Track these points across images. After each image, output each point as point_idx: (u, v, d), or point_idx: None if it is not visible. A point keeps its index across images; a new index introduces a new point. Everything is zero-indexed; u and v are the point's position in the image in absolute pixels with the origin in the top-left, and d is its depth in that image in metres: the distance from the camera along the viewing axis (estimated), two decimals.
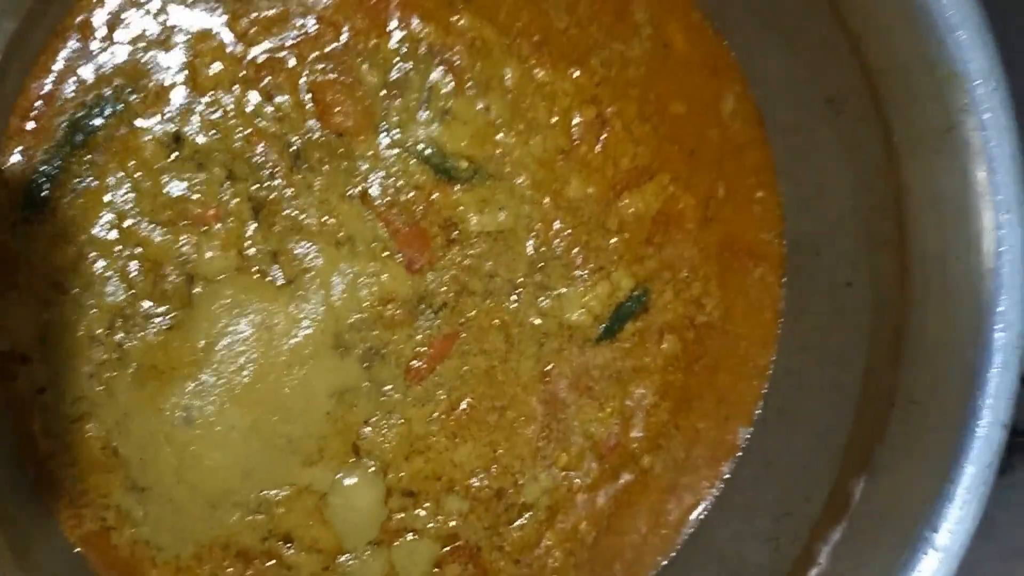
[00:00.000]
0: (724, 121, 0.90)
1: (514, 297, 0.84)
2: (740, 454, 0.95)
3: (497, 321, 0.83)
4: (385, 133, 0.79)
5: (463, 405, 0.83)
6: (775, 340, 0.96)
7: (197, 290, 0.76)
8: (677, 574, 0.92)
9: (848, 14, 0.79)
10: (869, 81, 0.81)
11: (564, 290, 0.85)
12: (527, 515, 0.86)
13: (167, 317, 0.75)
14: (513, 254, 0.83)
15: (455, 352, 0.82)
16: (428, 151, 0.79)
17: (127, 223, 0.75)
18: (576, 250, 0.85)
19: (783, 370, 0.95)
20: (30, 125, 0.72)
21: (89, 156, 0.74)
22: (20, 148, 0.71)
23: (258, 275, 0.77)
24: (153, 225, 0.75)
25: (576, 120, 0.84)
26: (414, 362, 0.81)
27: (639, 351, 0.88)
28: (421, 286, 0.81)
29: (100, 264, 0.74)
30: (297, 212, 0.77)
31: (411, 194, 0.80)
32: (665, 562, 0.92)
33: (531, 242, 0.83)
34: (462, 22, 0.80)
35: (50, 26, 0.71)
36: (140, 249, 0.75)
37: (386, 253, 0.79)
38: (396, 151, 0.79)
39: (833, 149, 0.89)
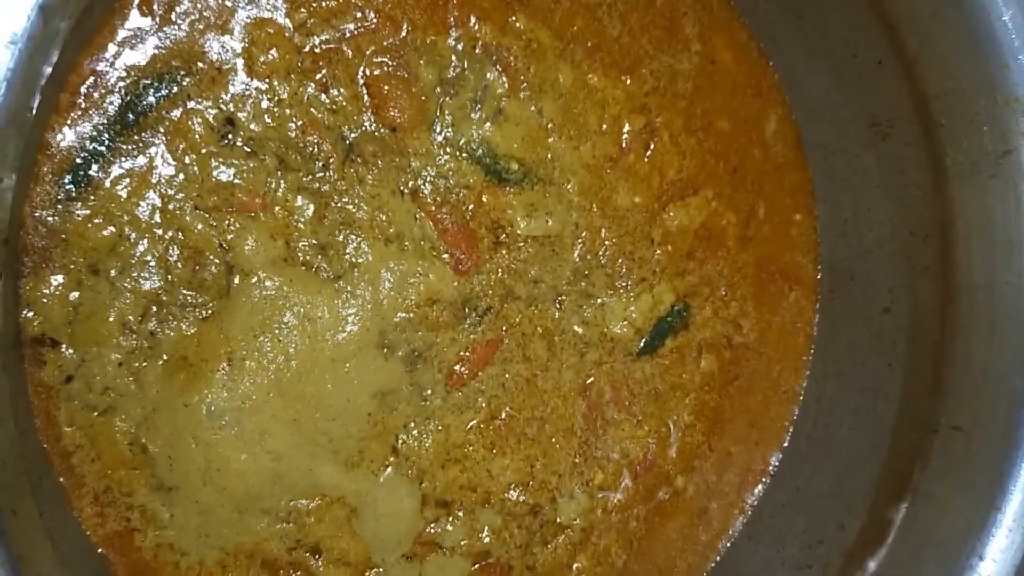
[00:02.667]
0: (766, 141, 0.90)
1: (557, 304, 0.82)
2: (768, 480, 0.93)
3: (540, 328, 0.81)
4: (439, 131, 0.77)
5: (503, 414, 0.80)
6: (806, 365, 0.95)
7: (237, 281, 0.73)
8: None
9: (906, 39, 0.79)
10: (921, 106, 0.81)
11: (607, 300, 0.84)
12: (561, 536, 0.84)
13: (204, 308, 0.72)
14: (559, 260, 0.82)
15: (497, 359, 0.80)
16: (480, 151, 0.78)
17: (171, 207, 0.71)
18: (620, 260, 0.84)
19: (814, 396, 0.94)
20: (81, 102, 0.69)
21: (139, 136, 0.71)
22: (69, 124, 0.68)
23: (304, 267, 0.74)
24: (198, 211, 0.72)
25: (626, 128, 0.83)
26: (457, 367, 0.78)
27: (678, 368, 0.87)
28: (467, 288, 0.79)
29: (140, 248, 0.71)
30: (348, 206, 0.74)
31: (462, 194, 0.78)
32: None
33: (577, 249, 0.82)
34: (518, 24, 0.79)
35: (108, 2, 0.68)
36: (181, 235, 0.72)
37: (434, 252, 0.77)
38: (449, 150, 0.77)
39: (875, 174, 0.89)
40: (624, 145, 0.83)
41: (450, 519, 0.79)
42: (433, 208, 0.76)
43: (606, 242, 0.83)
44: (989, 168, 0.78)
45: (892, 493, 0.83)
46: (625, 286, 0.84)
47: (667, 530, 0.89)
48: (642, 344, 0.85)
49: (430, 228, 0.76)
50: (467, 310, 0.78)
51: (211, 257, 0.71)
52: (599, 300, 0.84)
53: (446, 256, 0.77)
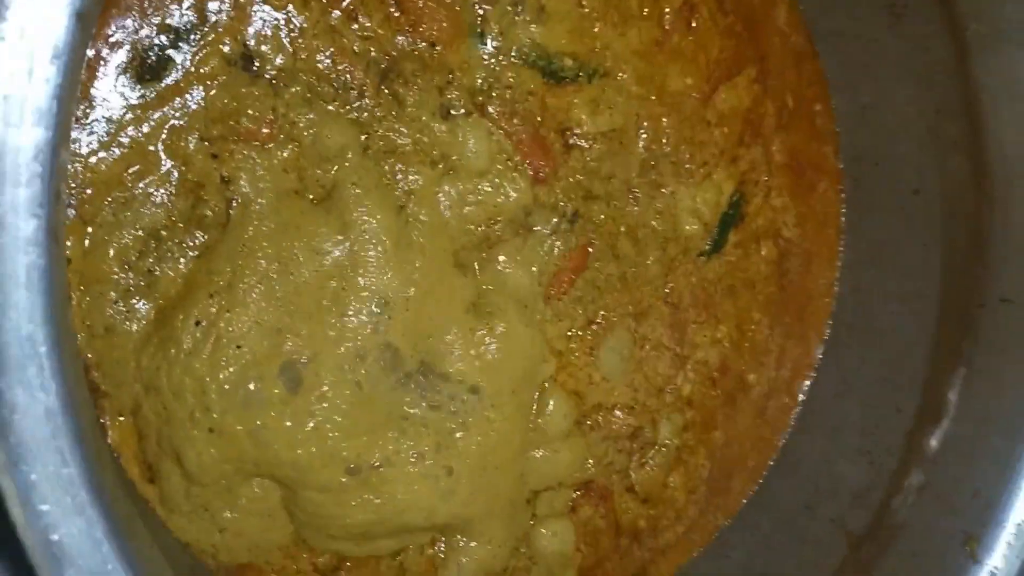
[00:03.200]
0: (783, 30, 0.88)
1: (632, 199, 0.81)
2: (815, 374, 0.94)
3: (623, 227, 0.80)
4: (488, 43, 0.74)
5: (599, 318, 0.81)
6: (839, 256, 0.95)
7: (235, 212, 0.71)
8: (767, 502, 0.91)
9: None
10: None
11: (676, 188, 0.83)
12: (657, 456, 0.85)
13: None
14: (627, 154, 0.80)
15: (591, 262, 0.80)
16: (533, 54, 0.75)
17: (180, 138, 0.69)
18: (683, 147, 0.83)
19: (850, 287, 0.94)
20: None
21: (159, 80, 0.67)
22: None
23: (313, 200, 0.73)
24: (204, 142, 0.69)
25: (666, 9, 0.82)
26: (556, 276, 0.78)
27: (743, 263, 0.87)
28: (551, 197, 0.78)
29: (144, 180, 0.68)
30: (389, 133, 0.72)
31: (527, 102, 0.76)
32: (756, 489, 0.91)
33: (642, 141, 0.80)
34: None
35: None
36: (183, 167, 0.69)
37: (511, 165, 0.75)
38: (503, 59, 0.75)
39: (893, 56, 0.88)
40: (667, 26, 0.82)
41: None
42: (503, 121, 0.75)
43: (667, 130, 0.82)
44: (1014, 36, 0.77)
45: (945, 371, 0.84)
46: (689, 171, 0.83)
47: (737, 432, 0.89)
48: (711, 243, 0.85)
49: (504, 141, 0.75)
50: (554, 219, 0.78)
51: (210, 191, 0.69)
52: (669, 189, 0.83)
53: (527, 167, 0.76)
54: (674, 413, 0.85)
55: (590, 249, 0.80)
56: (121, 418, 0.70)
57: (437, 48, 0.73)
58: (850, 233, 0.94)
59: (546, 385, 0.78)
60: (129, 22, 0.67)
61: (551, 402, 0.79)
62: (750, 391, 0.90)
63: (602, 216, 0.80)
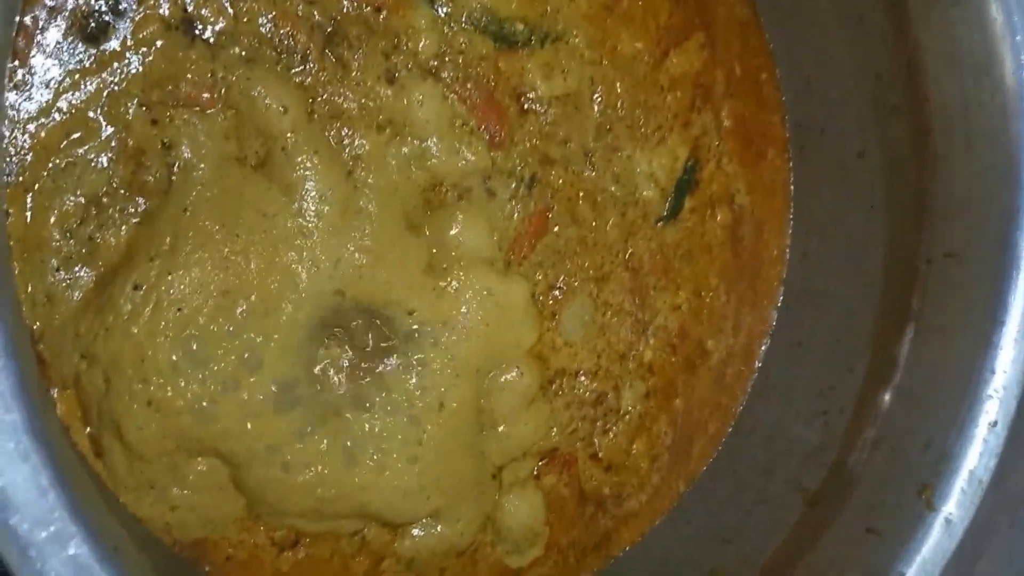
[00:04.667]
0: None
1: (590, 164, 0.81)
2: (769, 340, 0.94)
3: (582, 191, 0.80)
4: (439, 8, 0.74)
5: (559, 283, 0.81)
6: (788, 224, 0.96)
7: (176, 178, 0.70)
8: (725, 466, 0.91)
9: None
10: None
11: (632, 152, 0.83)
12: (620, 423, 0.85)
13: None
14: (582, 117, 0.81)
15: (550, 225, 0.80)
16: (484, 19, 0.75)
17: (120, 104, 0.68)
18: (637, 111, 0.83)
19: (800, 252, 0.95)
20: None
21: (96, 46, 0.66)
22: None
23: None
24: (142, 107, 0.68)
25: None
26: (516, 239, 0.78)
27: (699, 228, 0.88)
28: (508, 161, 0.78)
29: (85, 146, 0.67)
30: (335, 97, 0.71)
31: (479, 66, 0.76)
32: (715, 455, 0.91)
33: (597, 105, 0.81)
34: None
35: None
36: (124, 132, 0.68)
37: (466, 129, 0.75)
38: (455, 25, 0.75)
39: (832, 25, 0.90)
40: None
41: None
42: (456, 86, 0.75)
43: (621, 93, 0.82)
44: None
45: (895, 329, 0.85)
46: (644, 135, 0.84)
47: (697, 398, 0.90)
48: (667, 207, 0.86)
49: (458, 105, 0.75)
50: (513, 184, 0.78)
51: (151, 157, 0.68)
52: (625, 153, 0.83)
53: (482, 131, 0.76)
54: (636, 380, 0.85)
55: (548, 215, 0.80)
56: (68, 391, 0.69)
57: (383, 13, 0.72)
58: (798, 200, 0.96)
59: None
60: None
61: (518, 368, 0.78)
62: (709, 357, 0.90)
63: (560, 181, 0.80)
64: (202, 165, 0.70)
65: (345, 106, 0.71)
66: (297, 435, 0.71)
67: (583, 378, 0.83)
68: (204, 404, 0.67)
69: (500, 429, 0.78)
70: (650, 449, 0.86)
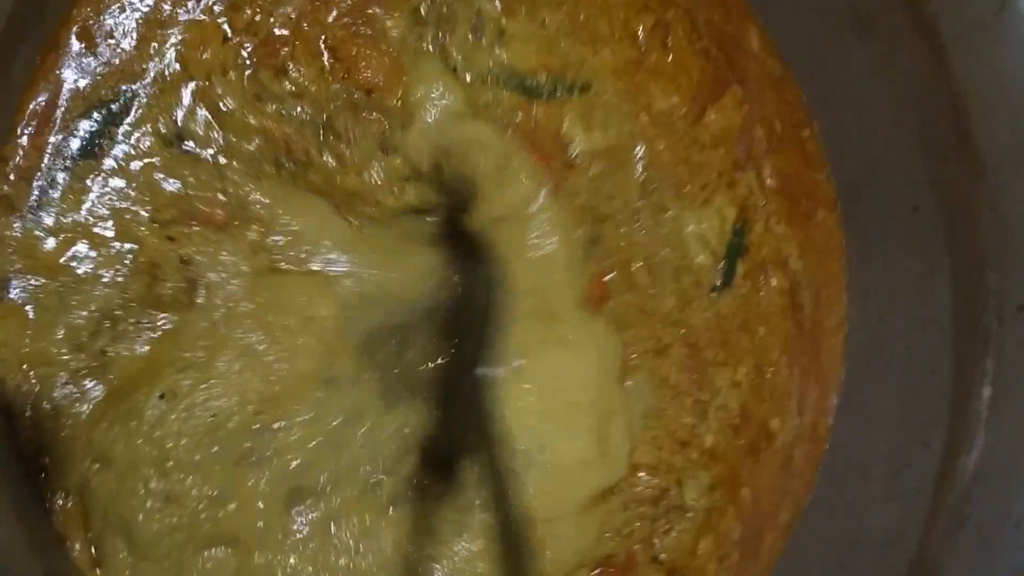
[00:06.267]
0: (757, 55, 0.85)
1: (636, 223, 0.78)
2: (834, 416, 0.87)
3: (637, 255, 0.78)
4: (457, 70, 0.74)
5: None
6: (845, 288, 0.89)
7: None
8: (794, 563, 0.83)
9: None
10: None
11: (679, 212, 0.79)
12: (684, 522, 0.78)
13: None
14: (625, 174, 0.78)
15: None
16: (504, 76, 0.74)
17: (128, 220, 0.68)
18: (680, 168, 0.80)
19: (860, 321, 0.88)
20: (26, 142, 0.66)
21: (94, 160, 0.67)
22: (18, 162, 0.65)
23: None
24: (154, 224, 0.68)
25: (638, 29, 0.79)
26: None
27: (755, 297, 0.82)
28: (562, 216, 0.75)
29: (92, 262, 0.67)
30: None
31: (517, 116, 0.74)
32: (785, 548, 0.83)
33: (639, 162, 0.78)
34: None
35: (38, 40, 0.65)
36: (137, 248, 0.68)
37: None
38: (480, 84, 0.74)
39: (868, 73, 0.84)
40: (642, 46, 0.79)
41: None
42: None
43: (662, 150, 0.79)
44: (987, 30, 0.74)
45: (971, 394, 0.77)
46: (690, 193, 0.80)
47: (764, 487, 0.82)
48: (721, 274, 0.81)
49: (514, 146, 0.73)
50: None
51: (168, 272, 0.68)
52: (671, 213, 0.79)
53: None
54: (699, 470, 0.78)
55: (605, 279, 0.75)
56: (69, 498, 0.68)
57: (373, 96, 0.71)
58: (853, 261, 0.89)
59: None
60: (63, 101, 0.67)
61: None
62: (774, 439, 0.83)
63: (618, 242, 0.76)
64: (234, 281, 0.69)
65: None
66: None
67: (643, 474, 0.77)
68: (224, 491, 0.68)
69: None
70: (718, 548, 0.79)
